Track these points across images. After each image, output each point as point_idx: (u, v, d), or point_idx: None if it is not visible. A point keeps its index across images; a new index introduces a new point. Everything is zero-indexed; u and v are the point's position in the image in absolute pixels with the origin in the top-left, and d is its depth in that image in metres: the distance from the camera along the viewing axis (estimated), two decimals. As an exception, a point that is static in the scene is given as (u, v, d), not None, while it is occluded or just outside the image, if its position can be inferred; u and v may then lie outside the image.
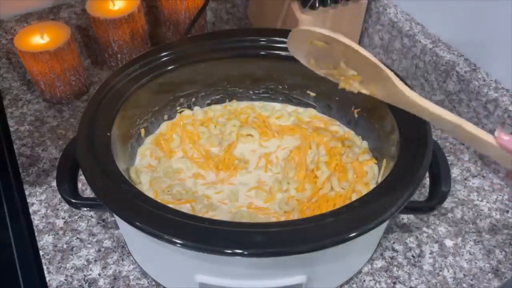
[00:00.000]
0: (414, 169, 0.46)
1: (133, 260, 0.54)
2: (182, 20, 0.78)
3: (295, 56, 0.49)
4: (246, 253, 0.40)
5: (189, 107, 0.64)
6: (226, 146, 0.60)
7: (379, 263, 0.54)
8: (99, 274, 0.53)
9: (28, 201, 0.60)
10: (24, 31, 0.69)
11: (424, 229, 0.58)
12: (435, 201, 0.50)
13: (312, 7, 0.69)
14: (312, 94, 0.64)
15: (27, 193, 0.61)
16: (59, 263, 0.54)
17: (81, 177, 0.56)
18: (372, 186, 0.55)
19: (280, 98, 0.66)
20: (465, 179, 0.63)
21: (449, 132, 0.43)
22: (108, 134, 0.50)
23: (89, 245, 0.55)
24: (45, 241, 0.56)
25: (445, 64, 0.66)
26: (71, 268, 0.53)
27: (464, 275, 0.53)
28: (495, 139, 0.41)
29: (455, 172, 0.64)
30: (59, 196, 0.56)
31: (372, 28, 0.77)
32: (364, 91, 0.47)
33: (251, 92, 0.66)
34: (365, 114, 0.60)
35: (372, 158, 0.58)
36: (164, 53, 0.58)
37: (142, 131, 0.60)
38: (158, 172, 0.57)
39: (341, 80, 0.47)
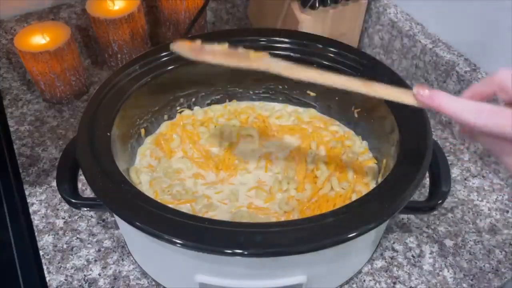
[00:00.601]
0: (414, 169, 0.46)
1: (133, 260, 0.54)
2: (182, 20, 0.78)
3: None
4: (246, 253, 0.40)
5: (189, 107, 0.64)
6: (226, 146, 0.60)
7: (379, 263, 0.54)
8: (99, 274, 0.53)
9: (28, 201, 0.60)
10: (24, 31, 0.69)
11: (424, 229, 0.58)
12: (435, 201, 0.50)
13: (312, 7, 0.69)
14: (312, 94, 0.64)
15: (27, 193, 0.61)
16: (59, 263, 0.54)
17: (81, 177, 0.56)
18: (372, 186, 0.55)
19: (280, 98, 0.66)
20: (465, 179, 0.63)
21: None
22: (108, 134, 0.50)
23: (89, 245, 0.55)
24: (45, 241, 0.56)
25: (445, 64, 0.66)
26: (71, 268, 0.53)
27: (464, 275, 0.53)
28: (414, 98, 0.38)
29: (455, 172, 0.64)
30: (59, 196, 0.56)
31: (372, 28, 0.77)
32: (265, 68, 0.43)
33: (251, 92, 0.66)
34: (365, 114, 0.60)
35: (372, 158, 0.58)
36: (164, 53, 0.58)
37: (142, 131, 0.60)
38: (158, 172, 0.57)
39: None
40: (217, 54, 0.43)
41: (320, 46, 0.59)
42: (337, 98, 0.62)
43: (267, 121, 0.63)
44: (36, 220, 0.58)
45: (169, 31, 0.80)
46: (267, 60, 0.42)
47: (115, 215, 0.49)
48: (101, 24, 0.71)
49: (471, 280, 0.53)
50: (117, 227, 0.57)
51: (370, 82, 0.40)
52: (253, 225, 0.44)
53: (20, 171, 0.63)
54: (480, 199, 0.61)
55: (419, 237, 0.57)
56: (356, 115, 0.61)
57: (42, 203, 0.60)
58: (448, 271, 0.54)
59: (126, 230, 0.52)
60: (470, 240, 0.56)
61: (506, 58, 0.60)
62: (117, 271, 0.53)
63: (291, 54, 0.59)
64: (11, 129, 0.69)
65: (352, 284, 0.52)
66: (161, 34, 0.83)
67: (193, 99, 0.64)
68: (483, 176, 0.63)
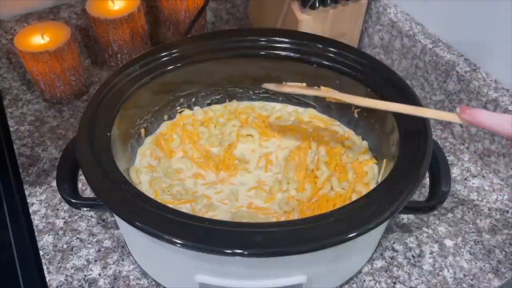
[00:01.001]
0: (414, 169, 0.46)
1: (133, 260, 0.54)
2: (182, 20, 0.78)
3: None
4: (246, 253, 0.40)
5: (189, 107, 0.64)
6: (226, 146, 0.60)
7: (379, 263, 0.54)
8: (99, 274, 0.53)
9: (28, 201, 0.60)
10: (24, 31, 0.69)
11: (424, 229, 0.58)
12: (435, 201, 0.50)
13: (312, 7, 0.69)
14: (312, 94, 0.64)
15: (27, 193, 0.61)
16: (59, 263, 0.54)
17: (81, 177, 0.56)
18: (372, 186, 0.55)
19: (280, 98, 0.66)
20: (465, 179, 0.63)
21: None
22: (108, 134, 0.50)
23: (89, 245, 0.55)
24: (45, 241, 0.56)
25: (445, 64, 0.66)
26: (71, 268, 0.53)
27: (464, 275, 0.53)
28: (458, 117, 0.43)
29: (455, 172, 0.64)
30: (59, 196, 0.56)
31: (372, 28, 0.77)
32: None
33: (251, 92, 0.66)
34: (365, 114, 0.60)
35: (372, 158, 0.58)
36: (164, 53, 0.58)
37: (142, 131, 0.60)
38: (158, 172, 0.57)
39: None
40: (295, 87, 0.52)
41: (320, 46, 0.59)
42: (337, 98, 0.62)
43: (267, 121, 0.63)
44: (36, 220, 0.58)
45: (169, 31, 0.80)
46: (334, 92, 0.51)
47: (115, 215, 0.49)
48: (101, 24, 0.71)
49: (471, 280, 0.53)
50: (117, 227, 0.57)
51: (421, 107, 0.47)
52: (253, 225, 0.44)
53: (20, 171, 0.63)
54: (480, 199, 0.61)
55: (419, 237, 0.57)
56: (356, 115, 0.61)
57: (42, 203, 0.60)
58: (448, 271, 0.54)
59: (126, 230, 0.52)
60: (470, 240, 0.56)
61: (506, 58, 0.60)
62: (117, 271, 0.53)
63: (291, 54, 0.59)
64: (11, 129, 0.69)
65: (352, 284, 0.52)
66: (161, 34, 0.83)
67: (193, 99, 0.64)
68: (483, 176, 0.63)
